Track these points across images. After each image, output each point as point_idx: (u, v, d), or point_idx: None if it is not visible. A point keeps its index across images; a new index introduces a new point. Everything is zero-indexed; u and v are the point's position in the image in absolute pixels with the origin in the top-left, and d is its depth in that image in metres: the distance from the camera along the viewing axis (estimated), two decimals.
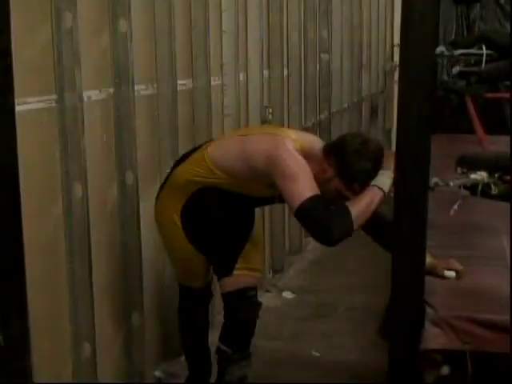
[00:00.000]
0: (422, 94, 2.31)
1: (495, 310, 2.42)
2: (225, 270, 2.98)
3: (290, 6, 5.00)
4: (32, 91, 2.57)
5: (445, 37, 7.65)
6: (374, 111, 7.67)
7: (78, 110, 2.75)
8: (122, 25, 3.02)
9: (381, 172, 2.68)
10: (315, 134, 5.18)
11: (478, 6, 7.68)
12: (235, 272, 2.96)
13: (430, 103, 2.29)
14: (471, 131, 6.38)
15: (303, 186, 2.60)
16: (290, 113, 5.12)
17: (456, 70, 2.94)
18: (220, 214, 2.91)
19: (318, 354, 3.79)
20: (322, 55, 5.77)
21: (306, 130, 5.29)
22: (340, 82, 6.31)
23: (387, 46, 8.14)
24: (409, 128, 2.31)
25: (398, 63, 8.41)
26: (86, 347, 2.94)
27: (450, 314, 2.41)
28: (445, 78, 6.74)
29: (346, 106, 6.54)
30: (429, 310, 2.43)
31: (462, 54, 2.50)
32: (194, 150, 3.02)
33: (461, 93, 6.63)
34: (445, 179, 2.60)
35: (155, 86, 3.36)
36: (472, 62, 2.60)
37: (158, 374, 3.47)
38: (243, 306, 2.95)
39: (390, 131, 7.95)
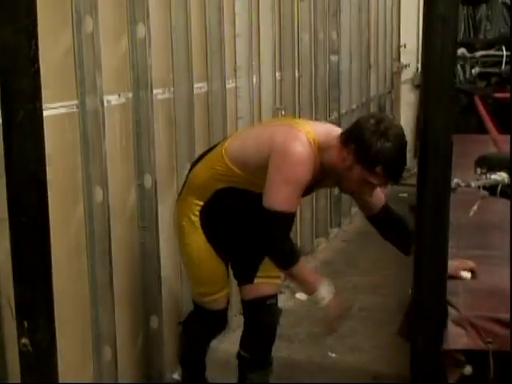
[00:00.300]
0: (446, 96, 2.33)
1: None
2: (246, 277, 2.96)
3: (301, 7, 5.02)
4: (54, 96, 2.59)
5: None
6: (381, 112, 7.68)
7: (99, 114, 2.77)
8: (141, 29, 3.04)
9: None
10: None
11: (484, 6, 7.68)
12: (256, 280, 2.95)
13: (454, 105, 2.31)
14: (481, 131, 6.41)
15: (290, 195, 2.58)
16: (300, 114, 5.14)
17: (476, 71, 2.94)
18: (243, 218, 2.87)
19: (333, 355, 3.80)
20: (331, 56, 5.79)
21: None
22: (349, 83, 6.32)
23: (393, 47, 8.16)
24: (433, 130, 2.33)
25: (404, 64, 8.42)
26: (107, 350, 2.96)
27: (472, 313, 2.43)
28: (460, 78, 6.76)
29: (354, 106, 6.55)
30: (451, 310, 2.45)
31: (483, 56, 2.51)
32: (210, 149, 2.98)
33: (470, 93, 6.68)
34: (465, 180, 2.61)
35: (172, 89, 3.38)
36: (490, 63, 2.61)
37: (176, 376, 3.48)
38: (264, 313, 2.96)
39: None
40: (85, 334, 2.89)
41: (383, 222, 2.88)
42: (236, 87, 4.09)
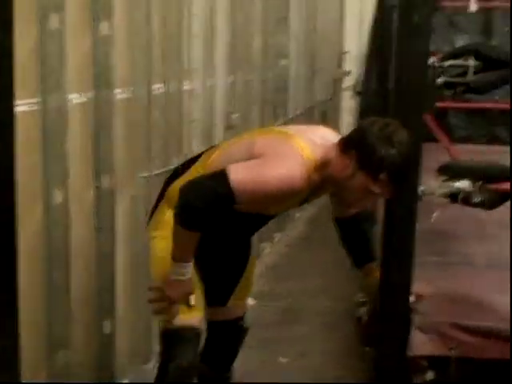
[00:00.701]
0: (417, 103, 2.37)
1: (480, 317, 2.49)
2: (220, 299, 2.84)
3: (253, 11, 5.02)
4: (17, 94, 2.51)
5: None
6: (323, 118, 7.74)
7: (63, 112, 2.71)
8: (104, 27, 2.98)
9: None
10: None
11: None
12: (229, 304, 2.85)
13: (423, 113, 2.35)
14: (430, 140, 6.52)
15: (250, 184, 2.31)
16: (250, 118, 5.13)
17: (441, 80, 3.00)
18: (226, 237, 2.72)
19: (285, 361, 3.80)
20: (280, 61, 5.80)
21: None
22: (296, 88, 6.36)
23: (336, 54, 8.24)
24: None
25: (346, 70, 8.47)
26: (61, 355, 2.89)
27: (436, 320, 2.47)
28: None
29: (299, 112, 6.59)
30: (416, 316, 2.48)
31: (451, 66, 2.56)
32: (189, 163, 2.74)
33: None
34: (428, 187, 2.65)
35: (131, 89, 3.33)
36: (456, 73, 2.66)
37: (127, 381, 3.44)
38: (233, 334, 2.90)
39: None
40: (39, 338, 2.82)
41: (350, 228, 2.83)
42: (191, 90, 4.06)
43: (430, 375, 2.49)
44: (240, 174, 2.33)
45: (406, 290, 2.47)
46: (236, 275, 2.84)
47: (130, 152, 3.37)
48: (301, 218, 6.70)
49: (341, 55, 8.33)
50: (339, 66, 8.40)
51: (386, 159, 2.31)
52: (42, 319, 2.80)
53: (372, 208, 3.24)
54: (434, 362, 2.48)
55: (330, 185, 2.51)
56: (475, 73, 2.61)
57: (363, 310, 3.85)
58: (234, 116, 4.63)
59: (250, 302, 4.69)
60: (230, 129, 4.60)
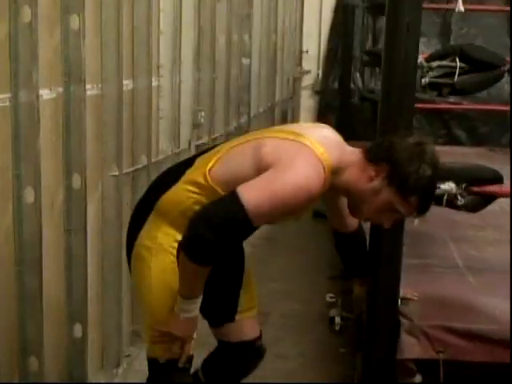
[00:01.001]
0: (407, 103, 2.32)
1: (467, 319, 2.45)
2: (226, 316, 2.58)
3: (218, 8, 4.93)
4: None
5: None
6: (284, 117, 7.71)
7: (34, 109, 2.59)
8: (75, 21, 2.87)
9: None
10: None
11: (383, 17, 7.78)
12: (238, 317, 2.58)
13: (411, 111, 2.30)
14: None
15: (267, 206, 2.06)
16: (215, 116, 5.05)
17: (425, 81, 2.94)
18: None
19: None
20: (243, 59, 5.73)
21: (228, 134, 5.25)
22: (258, 87, 6.30)
23: (296, 53, 8.21)
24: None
25: (305, 70, 8.49)
26: (33, 361, 2.78)
27: (424, 323, 2.43)
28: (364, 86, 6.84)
29: (262, 110, 6.53)
30: (404, 320, 2.43)
31: (439, 66, 2.51)
32: (178, 169, 2.42)
33: (376, 101, 6.79)
34: None
35: (100, 86, 3.22)
36: (441, 73, 2.61)
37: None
38: (251, 357, 2.65)
39: None
40: (10, 345, 2.69)
41: (349, 243, 2.67)
42: (158, 86, 3.96)
43: (417, 378, 2.45)
44: (254, 195, 2.06)
45: (395, 294, 2.42)
46: (235, 284, 2.61)
47: (100, 150, 3.26)
48: None
49: (300, 54, 8.29)
50: (298, 65, 8.36)
51: (421, 182, 2.15)
52: (13, 323, 2.68)
53: None
54: (422, 365, 2.43)
55: (342, 193, 2.32)
56: (460, 74, 2.56)
57: (334, 311, 3.81)
58: (200, 114, 4.54)
59: None
60: (197, 127, 4.51)
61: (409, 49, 2.28)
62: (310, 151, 2.15)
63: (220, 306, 2.58)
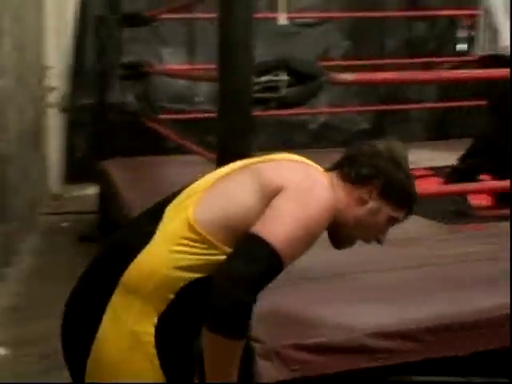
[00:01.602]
0: (243, 122, 2.24)
1: (315, 333, 2.41)
2: None
3: None
4: None
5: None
6: (35, 139, 7.25)
7: None
8: None
9: None
10: None
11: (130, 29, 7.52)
12: None
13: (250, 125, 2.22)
14: (146, 153, 6.48)
15: (297, 241, 1.83)
16: None
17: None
18: None
19: None
20: None
21: None
22: (8, 109, 5.84)
23: (38, 69, 7.74)
24: (232, 155, 2.21)
25: (52, 86, 8.01)
26: None
27: (277, 344, 2.34)
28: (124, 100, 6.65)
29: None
30: (255, 344, 2.33)
31: (267, 81, 2.41)
32: (143, 229, 1.96)
33: (137, 115, 6.65)
34: None
35: None
36: (265, 87, 2.52)
37: None
38: None
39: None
40: None
41: None
42: None
43: None
44: (277, 233, 1.79)
45: None
46: None
47: None
48: (25, 249, 6.17)
49: (43, 70, 7.83)
50: (41, 81, 7.90)
51: (413, 180, 2.07)
52: None
53: None
54: None
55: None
56: (288, 86, 2.51)
57: None
58: None
59: (1, 352, 4.19)
60: None
61: (244, 66, 2.19)
62: (314, 168, 2.01)
63: None
